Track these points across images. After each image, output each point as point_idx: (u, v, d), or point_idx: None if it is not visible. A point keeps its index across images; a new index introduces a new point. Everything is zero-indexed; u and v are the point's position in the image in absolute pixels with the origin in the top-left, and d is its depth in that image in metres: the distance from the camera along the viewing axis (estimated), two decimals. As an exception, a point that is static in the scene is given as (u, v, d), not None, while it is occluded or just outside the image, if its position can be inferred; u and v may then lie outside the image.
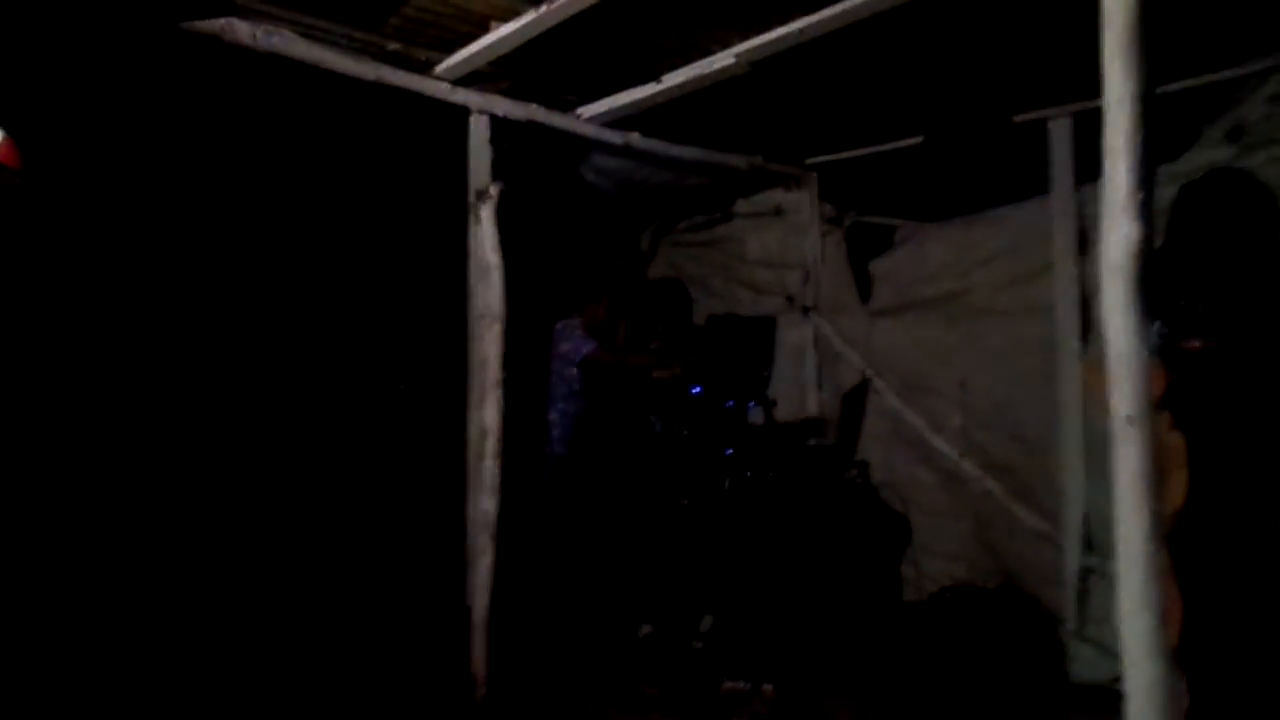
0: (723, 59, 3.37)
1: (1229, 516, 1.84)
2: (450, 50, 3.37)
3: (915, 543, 4.80)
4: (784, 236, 5.34)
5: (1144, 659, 1.70)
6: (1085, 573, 3.95)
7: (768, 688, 3.73)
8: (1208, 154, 3.71)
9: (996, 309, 4.40)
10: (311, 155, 3.99)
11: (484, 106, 3.66)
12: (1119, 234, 1.75)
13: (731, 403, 3.93)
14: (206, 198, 3.75)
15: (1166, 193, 3.28)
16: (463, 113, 3.64)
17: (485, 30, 3.20)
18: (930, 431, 4.72)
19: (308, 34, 3.14)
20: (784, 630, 3.92)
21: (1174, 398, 1.71)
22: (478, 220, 3.59)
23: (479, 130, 3.66)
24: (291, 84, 3.28)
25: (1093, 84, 1.78)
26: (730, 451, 3.82)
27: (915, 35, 3.43)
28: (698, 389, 3.92)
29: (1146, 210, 1.76)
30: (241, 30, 2.98)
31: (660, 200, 5.49)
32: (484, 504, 3.49)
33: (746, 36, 3.28)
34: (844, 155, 4.96)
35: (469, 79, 3.54)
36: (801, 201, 5.21)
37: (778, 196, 5.32)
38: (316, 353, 4.08)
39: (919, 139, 4.51)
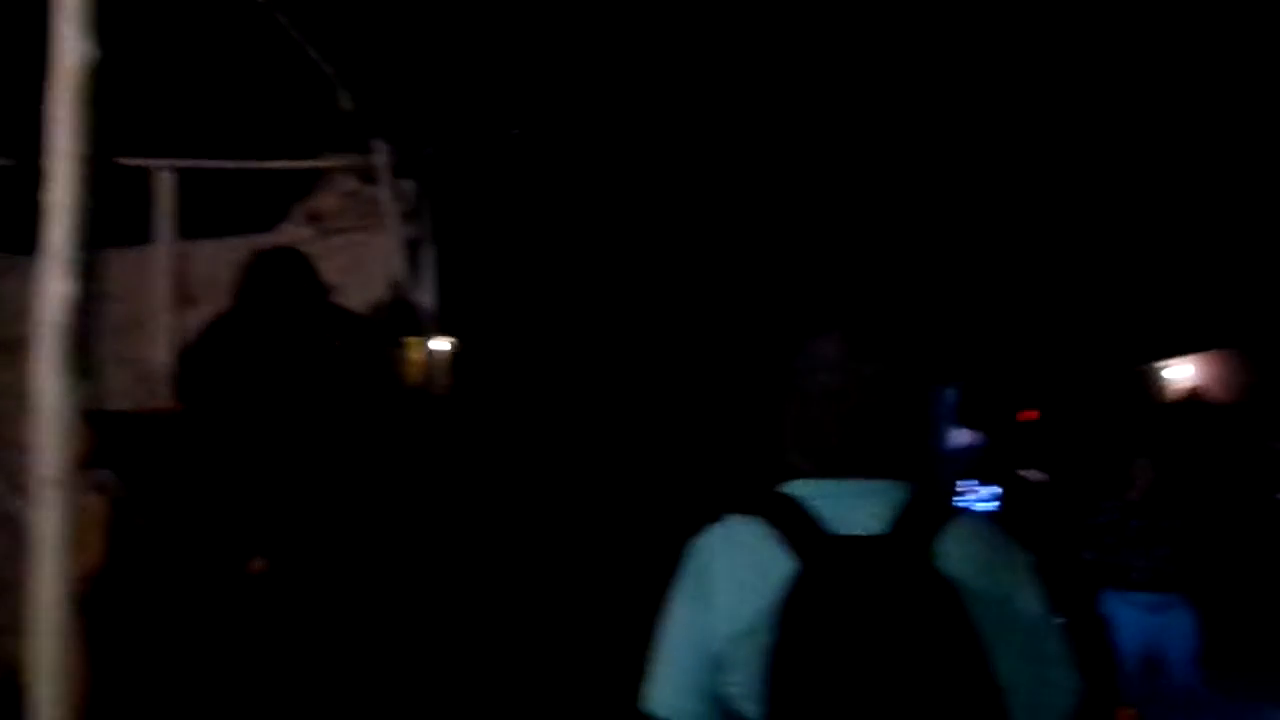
0: None
1: (151, 570, 1.97)
2: None
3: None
4: None
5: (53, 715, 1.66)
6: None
7: None
8: (295, 231, 4.11)
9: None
10: None
11: None
12: (54, 290, 1.73)
13: None
14: None
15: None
16: None
17: None
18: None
19: None
20: None
21: (99, 459, 1.74)
22: None
23: None
24: None
25: (199, 142, 1.73)
26: None
27: None
28: None
29: (87, 269, 1.78)
30: None
31: None
32: None
33: None
34: (-84, 160, 4.12)
35: None
36: None
37: None
38: None
39: (9, 161, 4.00)
